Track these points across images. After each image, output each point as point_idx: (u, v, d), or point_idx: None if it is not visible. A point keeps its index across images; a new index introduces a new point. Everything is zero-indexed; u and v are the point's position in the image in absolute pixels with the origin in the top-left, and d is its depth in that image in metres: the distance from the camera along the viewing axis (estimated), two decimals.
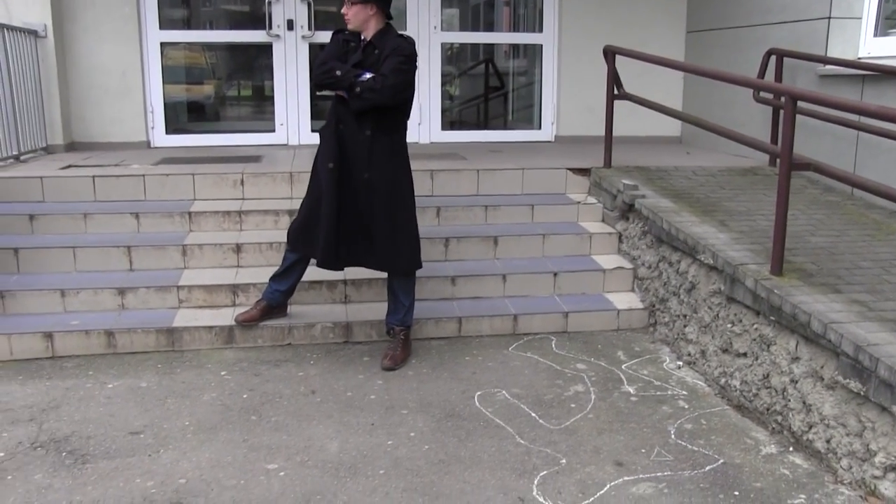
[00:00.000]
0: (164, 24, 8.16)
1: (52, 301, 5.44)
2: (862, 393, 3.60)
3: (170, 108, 8.38)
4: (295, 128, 8.38)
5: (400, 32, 4.87)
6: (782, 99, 6.36)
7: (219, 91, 9.49)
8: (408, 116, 4.96)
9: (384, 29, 4.81)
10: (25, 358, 5.11)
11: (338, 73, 4.68)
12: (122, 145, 8.00)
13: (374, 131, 4.76)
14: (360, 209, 4.80)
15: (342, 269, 5.12)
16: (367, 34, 4.80)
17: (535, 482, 3.74)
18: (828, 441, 3.84)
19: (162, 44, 8.16)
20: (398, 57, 4.68)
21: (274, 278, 5.26)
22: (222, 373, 4.96)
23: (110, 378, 4.87)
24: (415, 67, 4.84)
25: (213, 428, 4.25)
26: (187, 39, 8.62)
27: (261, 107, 9.00)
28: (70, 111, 7.89)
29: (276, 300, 5.30)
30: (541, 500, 3.60)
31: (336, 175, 4.76)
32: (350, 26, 4.80)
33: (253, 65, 9.16)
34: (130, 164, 6.81)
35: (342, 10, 4.79)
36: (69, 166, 6.72)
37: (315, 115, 8.44)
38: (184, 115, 9.09)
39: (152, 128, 8.19)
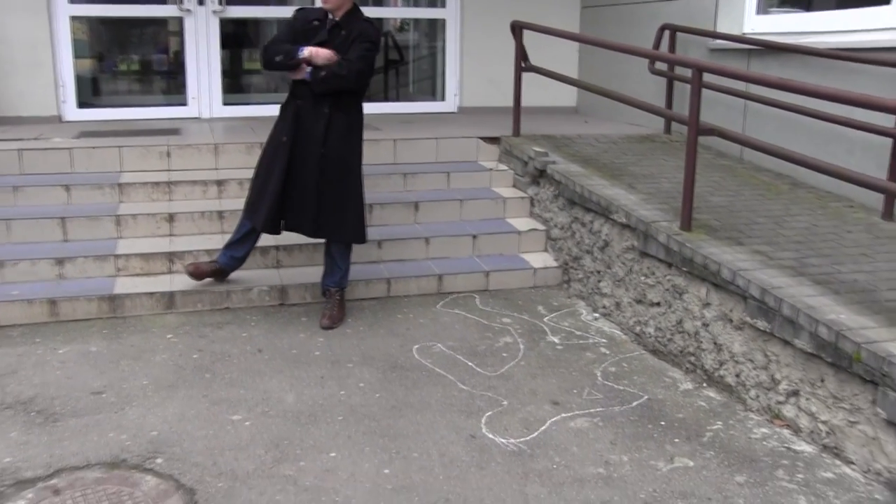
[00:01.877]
0: None
1: None
2: (768, 330, 4.12)
3: (80, 83, 8.34)
4: (206, 101, 8.47)
5: (366, 17, 5.16)
6: (678, 70, 6.96)
7: (129, 65, 9.47)
8: (363, 96, 5.28)
9: (351, 10, 5.09)
10: None
11: (277, 59, 4.98)
12: (33, 119, 7.91)
13: (333, 109, 5.05)
14: (308, 181, 5.07)
15: (278, 233, 5.35)
16: (338, 15, 5.06)
17: (483, 421, 4.13)
18: (737, 375, 4.35)
19: (71, 17, 8.09)
20: (365, 43, 5.00)
21: (228, 246, 5.47)
22: (168, 336, 5.15)
23: (59, 344, 5.00)
24: (377, 52, 5.15)
25: (172, 386, 4.47)
26: (97, 13, 8.55)
27: (172, 80, 9.05)
28: None
29: (230, 266, 5.53)
30: (490, 436, 3.98)
31: (288, 148, 5.04)
32: (327, 6, 5.04)
33: (163, 39, 9.19)
34: (51, 138, 6.83)
35: None
36: None
37: (226, 88, 8.58)
38: (94, 89, 9.05)
39: (63, 102, 8.12)
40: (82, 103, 8.29)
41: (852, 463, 3.69)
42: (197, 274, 5.49)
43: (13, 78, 7.92)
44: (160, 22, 8.85)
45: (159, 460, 3.72)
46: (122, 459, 3.73)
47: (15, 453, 3.76)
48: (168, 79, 9.30)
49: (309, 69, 4.99)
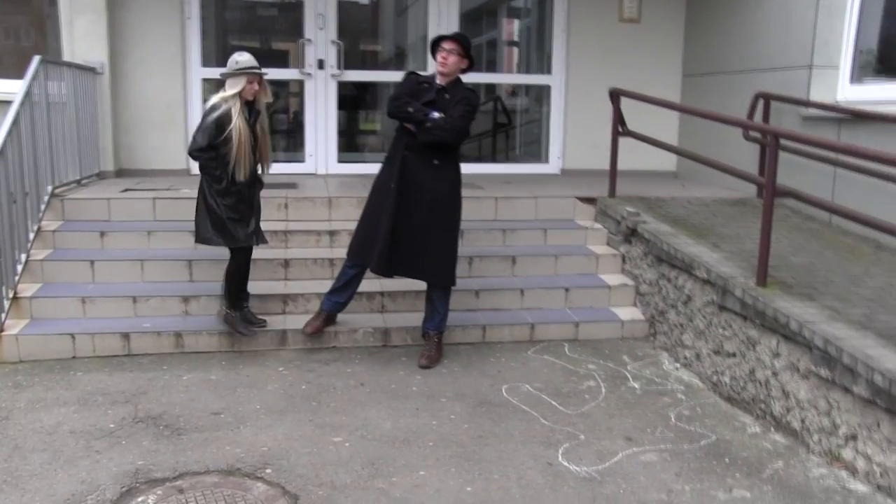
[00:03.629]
0: (206, 61, 8.95)
1: (126, 306, 6.20)
2: (830, 378, 4.40)
3: None
4: (323, 158, 9.18)
5: (468, 86, 5.79)
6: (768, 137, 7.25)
7: None
8: (459, 154, 5.86)
9: (457, 80, 5.69)
10: (106, 355, 5.86)
11: (410, 109, 5.55)
12: (164, 172, 8.70)
13: (442, 160, 5.63)
14: (414, 225, 5.60)
15: (392, 277, 5.90)
16: (445, 81, 5.66)
17: (560, 452, 4.52)
18: (802, 421, 4.63)
19: (203, 79, 8.92)
20: (467, 106, 5.59)
21: (332, 292, 6.02)
22: (280, 369, 5.71)
23: (183, 371, 5.62)
24: (474, 116, 5.73)
25: (281, 411, 5.00)
26: None
27: (291, 138, 9.78)
28: (119, 140, 8.65)
29: (335, 310, 6.07)
30: (565, 464, 4.37)
31: (396, 195, 5.59)
32: (444, 70, 5.64)
33: (284, 100, 9.94)
34: (181, 189, 7.56)
35: (439, 57, 5.64)
36: (126, 190, 7.48)
37: (341, 147, 9.25)
38: None
39: None
40: None
41: None
42: (317, 332, 6.04)
43: (150, 135, 8.76)
44: (282, 84, 9.59)
45: (268, 470, 4.23)
46: (237, 468, 4.27)
47: (146, 458, 4.35)
48: (288, 137, 10.04)
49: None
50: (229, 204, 5.70)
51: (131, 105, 8.67)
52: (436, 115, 5.52)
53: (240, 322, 5.98)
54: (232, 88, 5.60)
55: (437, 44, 5.67)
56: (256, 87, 5.65)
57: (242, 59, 5.63)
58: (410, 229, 5.62)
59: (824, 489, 4.15)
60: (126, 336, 5.92)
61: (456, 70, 5.64)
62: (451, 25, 9.08)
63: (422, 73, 6.01)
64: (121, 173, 8.57)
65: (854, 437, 4.26)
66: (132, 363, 5.76)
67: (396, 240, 5.60)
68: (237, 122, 5.56)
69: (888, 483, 4.03)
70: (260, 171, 5.94)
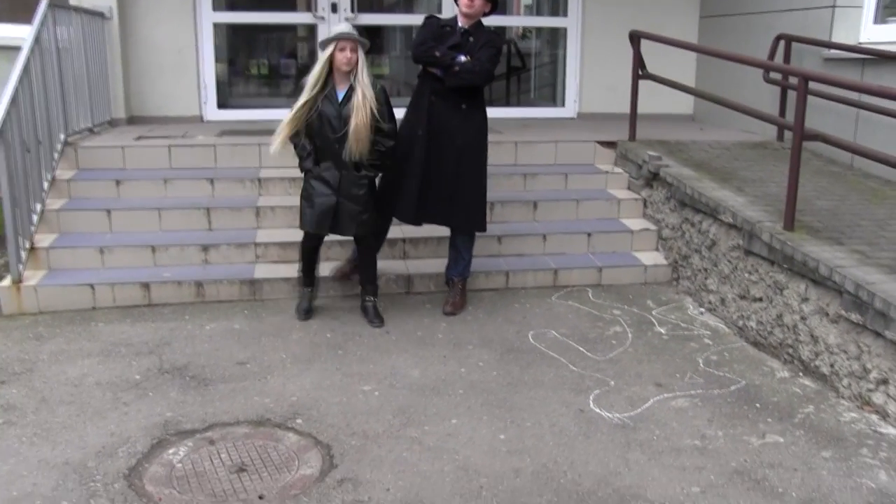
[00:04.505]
0: (217, 5, 8.80)
1: (145, 256, 6.16)
2: (861, 323, 4.38)
3: (219, 85, 9.02)
4: None
5: (491, 29, 5.68)
6: (791, 79, 7.15)
7: (262, 68, 10.12)
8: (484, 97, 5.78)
9: (479, 23, 5.58)
10: (126, 305, 5.84)
11: (437, 53, 5.45)
12: (177, 119, 8.66)
13: (469, 106, 5.55)
14: (444, 172, 5.54)
15: (420, 224, 5.86)
16: (468, 24, 5.54)
17: (591, 398, 4.51)
18: (832, 365, 4.61)
19: (214, 24, 8.79)
20: (492, 49, 5.50)
21: None
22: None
23: (206, 321, 5.60)
24: (500, 57, 5.66)
25: (308, 360, 4.99)
26: (238, 20, 9.26)
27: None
28: (130, 87, 8.55)
29: None
30: (597, 411, 4.37)
31: (425, 141, 5.52)
32: (469, 12, 5.50)
33: (295, 44, 9.78)
34: (196, 136, 7.51)
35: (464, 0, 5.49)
36: (140, 137, 7.40)
37: None
38: (231, 91, 9.73)
39: (205, 103, 8.83)
40: (221, 104, 8.98)
41: None
42: (343, 278, 6.02)
43: (160, 81, 8.66)
44: (293, 28, 9.44)
45: (299, 420, 4.23)
46: (267, 419, 4.26)
47: (175, 409, 4.34)
48: (298, 83, 9.85)
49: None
50: (305, 180, 5.46)
51: (142, 51, 8.56)
52: (463, 58, 5.44)
53: (300, 300, 5.81)
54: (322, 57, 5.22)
55: None
56: (349, 55, 5.15)
57: (337, 27, 5.28)
58: (441, 176, 5.56)
59: (856, 433, 4.14)
60: (146, 286, 5.89)
61: (480, 13, 5.53)
62: None
63: (440, 16, 5.89)
64: (132, 120, 8.50)
65: (885, 382, 4.24)
66: (153, 313, 5.74)
67: (426, 187, 5.54)
68: (308, 97, 5.24)
69: None
70: (349, 158, 5.30)
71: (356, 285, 5.90)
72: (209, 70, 8.81)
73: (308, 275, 5.75)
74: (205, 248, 6.24)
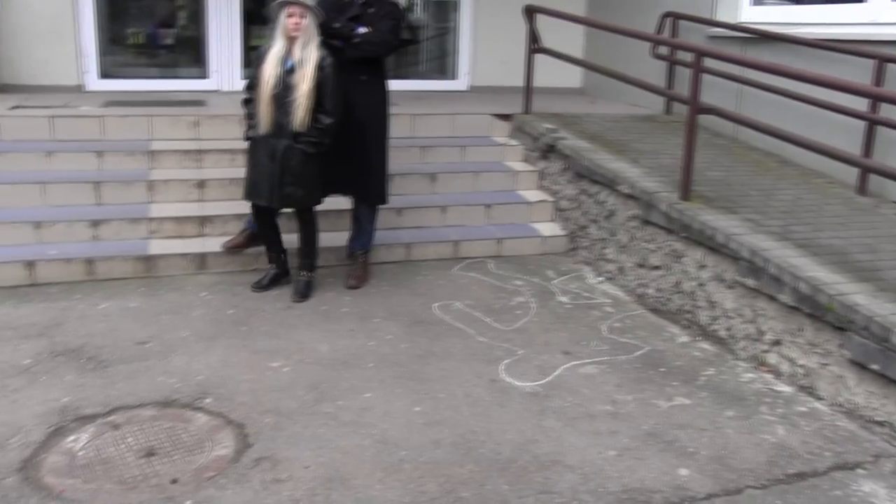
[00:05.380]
0: None
1: (27, 233, 5.85)
2: (756, 288, 4.59)
3: (102, 54, 8.59)
4: (227, 75, 8.83)
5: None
6: (680, 55, 7.35)
7: (150, 38, 9.74)
8: (386, 69, 5.74)
9: None
10: (8, 286, 5.51)
11: (336, 24, 5.38)
12: (54, 88, 8.15)
13: (370, 77, 5.49)
14: (345, 143, 5.48)
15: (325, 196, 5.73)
16: None
17: (501, 368, 4.57)
18: (728, 329, 4.82)
19: None
20: (393, 20, 5.49)
21: None
22: (203, 293, 5.55)
23: (99, 300, 5.37)
24: (401, 29, 5.63)
25: (212, 337, 4.88)
26: None
27: (194, 54, 9.35)
28: (1, 53, 8.05)
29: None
30: (509, 380, 4.43)
31: None
32: None
33: (183, 12, 9.46)
34: (79, 106, 7.19)
35: None
36: (16, 107, 7.01)
37: (247, 63, 8.91)
38: (115, 61, 9.32)
39: (85, 72, 8.39)
40: (105, 74, 8.58)
41: (822, 399, 4.25)
42: (237, 248, 5.89)
43: (35, 47, 8.16)
44: None
45: (208, 400, 4.12)
46: (174, 399, 4.12)
47: (72, 394, 4.12)
48: (189, 53, 9.56)
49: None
50: (248, 154, 5.38)
51: (14, 14, 8.04)
52: (362, 29, 5.39)
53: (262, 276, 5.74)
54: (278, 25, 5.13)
55: None
56: (297, 20, 5.07)
57: None
58: (342, 147, 5.49)
59: (755, 392, 4.36)
60: (30, 264, 5.60)
61: None
62: None
63: None
64: (4, 89, 7.99)
65: (778, 343, 4.48)
66: (39, 293, 5.46)
67: (329, 158, 5.48)
68: (265, 66, 5.14)
69: (809, 383, 4.32)
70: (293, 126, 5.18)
71: (255, 259, 5.80)
72: (88, 37, 8.34)
73: (268, 249, 5.69)
74: (94, 224, 5.99)
